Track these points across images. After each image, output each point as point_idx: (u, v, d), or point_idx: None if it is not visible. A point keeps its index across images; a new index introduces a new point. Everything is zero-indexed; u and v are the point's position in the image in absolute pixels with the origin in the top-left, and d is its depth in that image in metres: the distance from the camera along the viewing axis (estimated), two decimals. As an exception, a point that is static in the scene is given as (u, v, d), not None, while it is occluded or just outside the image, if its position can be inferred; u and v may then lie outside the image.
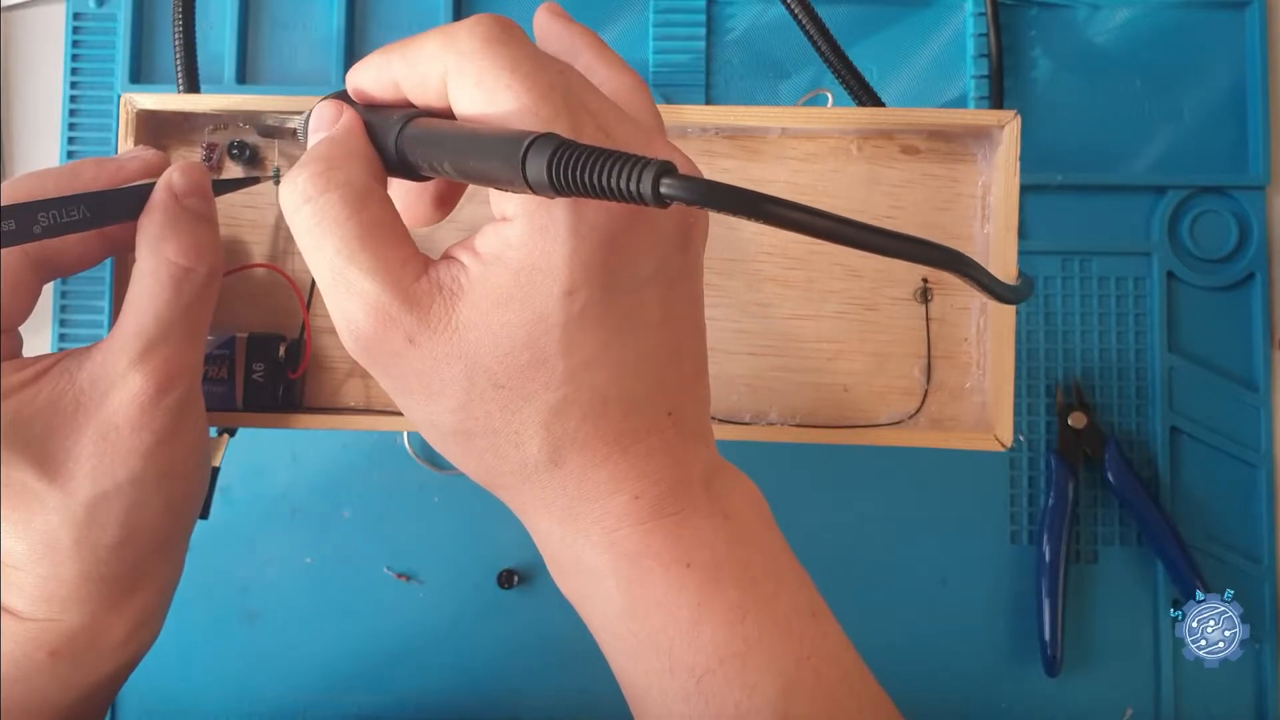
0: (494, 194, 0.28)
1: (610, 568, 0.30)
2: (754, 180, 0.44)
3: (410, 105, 0.30)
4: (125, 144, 0.42)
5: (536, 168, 0.24)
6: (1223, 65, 0.63)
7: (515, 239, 0.27)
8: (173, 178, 0.36)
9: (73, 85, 0.63)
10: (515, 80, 0.27)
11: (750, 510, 0.32)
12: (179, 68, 0.46)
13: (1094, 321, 0.62)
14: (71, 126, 0.63)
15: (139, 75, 0.63)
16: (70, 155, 0.62)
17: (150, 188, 0.36)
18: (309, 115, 0.32)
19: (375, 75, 0.30)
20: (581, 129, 0.27)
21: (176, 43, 0.45)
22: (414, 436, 0.61)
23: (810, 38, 0.49)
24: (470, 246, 0.28)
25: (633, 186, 0.23)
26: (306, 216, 0.28)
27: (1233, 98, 0.62)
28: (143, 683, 0.61)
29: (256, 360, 0.42)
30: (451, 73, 0.27)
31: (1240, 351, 0.62)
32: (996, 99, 0.51)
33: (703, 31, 0.62)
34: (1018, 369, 0.42)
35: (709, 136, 0.44)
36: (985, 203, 0.43)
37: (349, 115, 0.30)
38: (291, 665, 0.61)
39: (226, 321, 0.44)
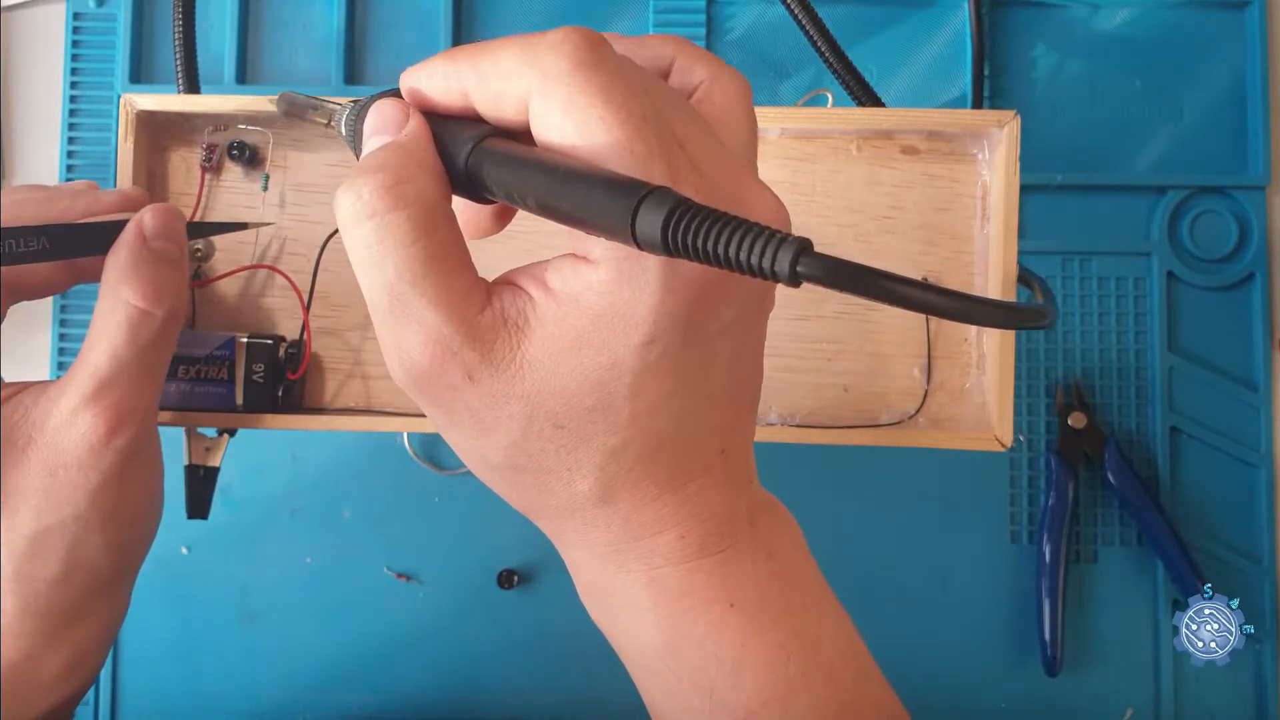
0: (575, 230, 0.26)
1: (650, 604, 0.29)
2: (754, 180, 0.44)
3: (477, 117, 0.28)
4: (125, 144, 0.42)
5: (649, 225, 0.22)
6: (1223, 65, 0.63)
7: (599, 284, 0.25)
8: (144, 218, 0.36)
9: (73, 85, 0.63)
10: (608, 111, 0.24)
11: (793, 547, 0.32)
12: (179, 68, 0.46)
13: (1094, 321, 0.62)
14: (71, 126, 0.63)
15: (139, 75, 0.63)
16: (70, 155, 0.62)
17: (120, 225, 0.36)
18: (356, 111, 0.30)
19: (441, 82, 0.27)
20: (677, 170, 0.25)
21: (176, 43, 0.45)
22: (414, 436, 0.61)
23: (810, 38, 0.49)
24: (541, 280, 0.26)
25: (765, 263, 0.21)
26: (369, 233, 0.26)
27: (1233, 98, 0.62)
28: (143, 683, 0.61)
29: (256, 361, 0.42)
30: (536, 95, 0.25)
31: (1240, 351, 0.62)
32: (977, 98, 0.51)
33: (703, 31, 0.62)
34: (1018, 369, 0.42)
35: (709, 137, 0.44)
36: (985, 203, 0.43)
37: (418, 121, 0.27)
38: (291, 665, 0.61)
39: (227, 322, 0.44)
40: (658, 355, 0.26)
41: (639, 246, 0.23)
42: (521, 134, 0.27)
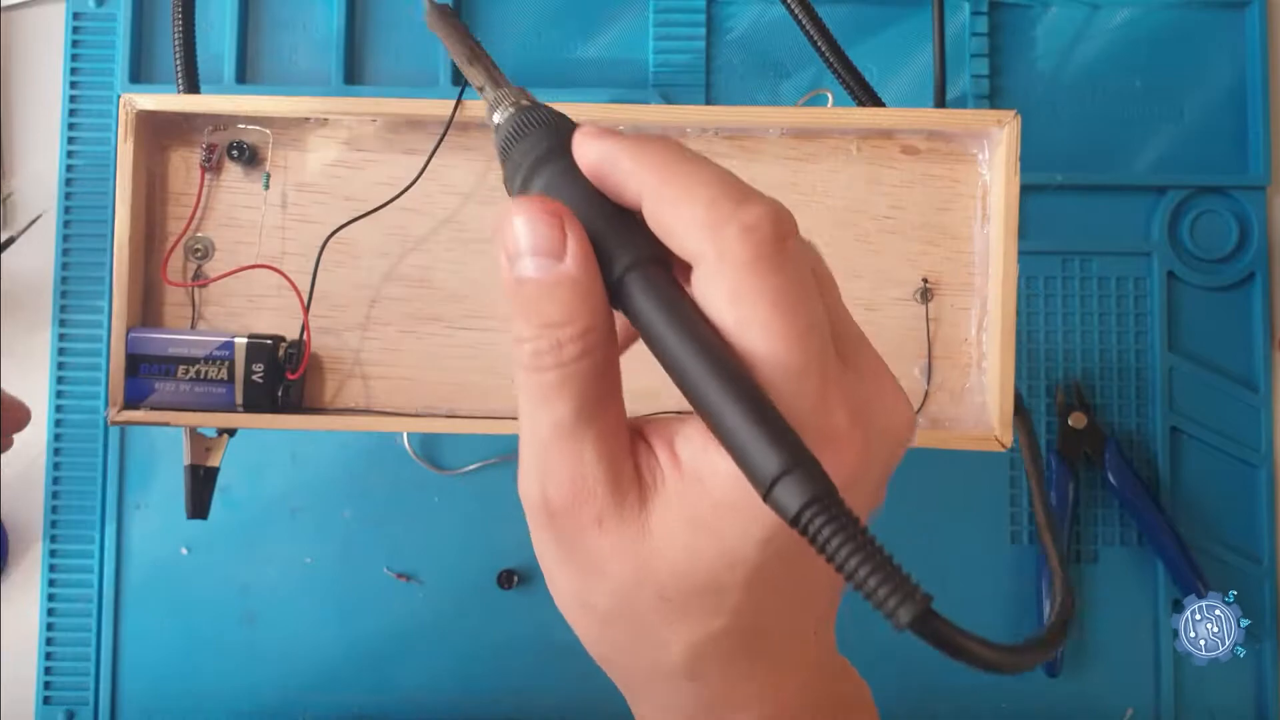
0: None
1: None
2: (754, 180, 0.44)
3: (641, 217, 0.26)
4: (125, 144, 0.42)
5: (787, 497, 0.22)
6: (1223, 65, 0.63)
7: (725, 470, 0.24)
8: None
9: (73, 85, 0.63)
10: (775, 317, 0.23)
11: (865, 709, 0.31)
12: (179, 68, 0.46)
13: (1094, 321, 0.62)
14: (71, 126, 0.62)
15: (139, 75, 0.63)
16: (70, 155, 0.62)
17: None
18: (524, 146, 0.27)
19: (621, 175, 0.25)
20: (828, 390, 0.24)
21: (176, 43, 0.45)
22: (414, 436, 0.61)
23: (810, 38, 0.48)
24: (670, 446, 0.26)
25: (886, 606, 0.21)
26: (551, 379, 0.25)
27: (1233, 98, 0.62)
28: (143, 683, 0.61)
29: (256, 361, 0.42)
30: (708, 269, 0.24)
31: (1240, 351, 0.62)
32: (939, 97, 0.51)
33: (703, 31, 0.62)
34: (1018, 369, 0.42)
35: (709, 136, 0.44)
36: (985, 203, 0.43)
37: (578, 243, 0.25)
38: (291, 665, 0.61)
39: (227, 322, 0.44)
40: (774, 551, 0.25)
41: (766, 498, 0.22)
42: (681, 266, 0.26)
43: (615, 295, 0.25)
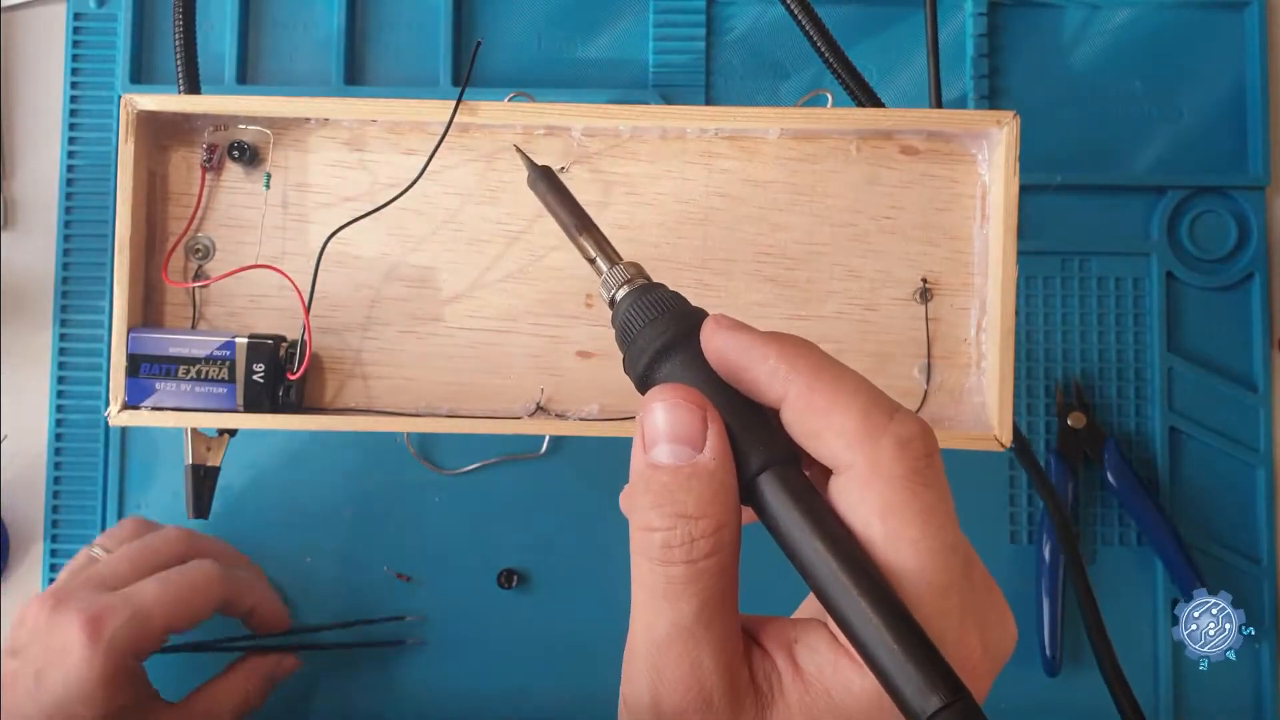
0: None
1: None
2: (754, 180, 0.44)
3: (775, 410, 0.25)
4: (125, 145, 0.42)
5: None
6: (1223, 65, 0.63)
7: (860, 688, 0.24)
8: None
9: (73, 85, 0.63)
10: (927, 533, 0.23)
11: None
12: (179, 68, 0.46)
13: (1094, 321, 0.62)
14: (72, 127, 0.63)
15: (139, 75, 0.63)
16: (70, 155, 0.62)
17: None
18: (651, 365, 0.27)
19: (763, 374, 0.25)
20: (966, 611, 0.24)
21: (176, 43, 0.45)
22: (414, 436, 0.61)
23: (810, 38, 0.48)
24: (789, 653, 0.25)
25: None
26: (681, 572, 0.24)
27: (1233, 98, 0.62)
28: (143, 683, 0.61)
29: (256, 361, 0.42)
30: (857, 479, 0.24)
31: (1240, 351, 0.62)
32: (935, 98, 0.51)
33: (703, 31, 0.62)
34: (1017, 369, 0.42)
35: (709, 137, 0.44)
36: (985, 203, 0.43)
37: (718, 438, 0.25)
38: (292, 665, 0.61)
39: (227, 322, 0.44)
40: None
41: None
42: (817, 468, 0.25)
43: (747, 492, 0.25)
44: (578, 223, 0.33)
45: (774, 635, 0.25)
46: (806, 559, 0.24)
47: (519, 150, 0.37)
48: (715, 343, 0.26)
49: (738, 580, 0.25)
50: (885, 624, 0.23)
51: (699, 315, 0.27)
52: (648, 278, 0.30)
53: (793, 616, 0.28)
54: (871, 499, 0.24)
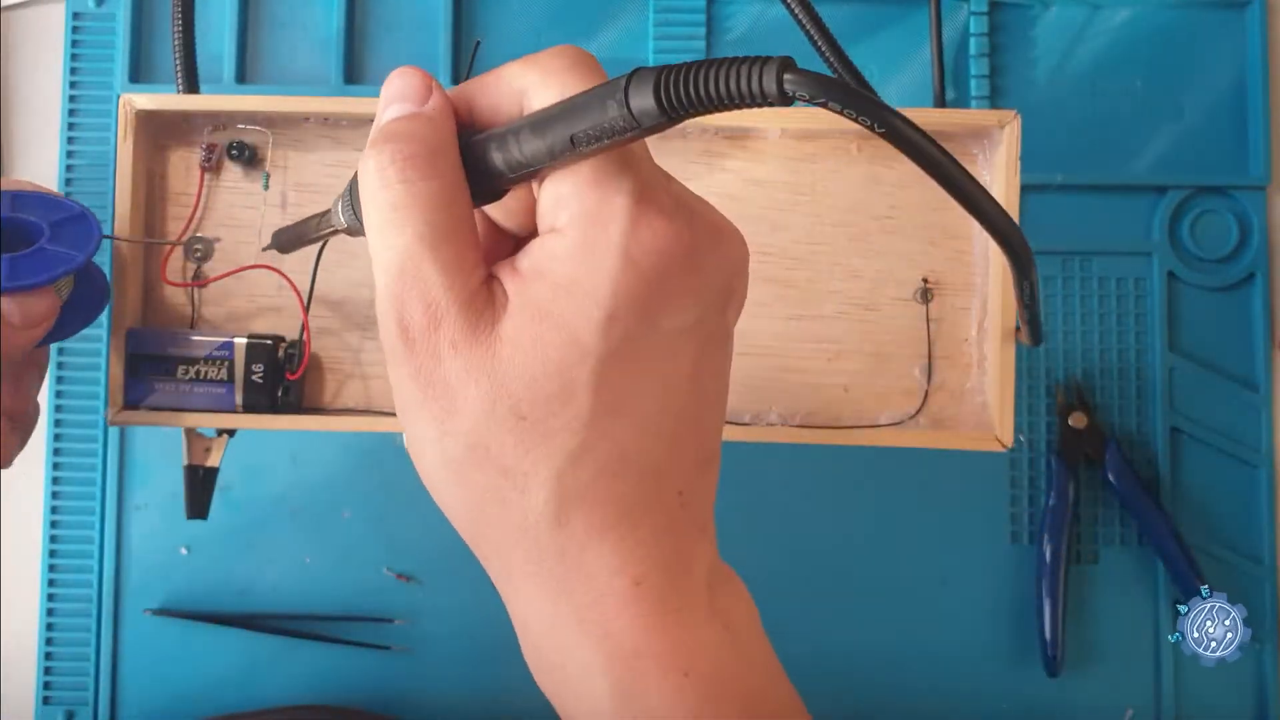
0: (543, 207, 0.27)
1: (602, 667, 0.28)
2: (754, 180, 0.44)
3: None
4: (124, 144, 0.42)
5: (642, 97, 0.23)
6: (1223, 65, 0.62)
7: (562, 252, 0.26)
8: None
9: (72, 85, 0.63)
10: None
11: (750, 625, 0.30)
12: (178, 68, 0.46)
13: (1094, 321, 0.62)
14: (71, 126, 0.62)
15: (138, 75, 0.63)
16: (70, 155, 0.62)
17: None
18: (348, 191, 0.30)
19: (449, 98, 0.29)
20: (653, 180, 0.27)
21: (176, 43, 0.45)
22: (414, 437, 0.61)
23: (810, 38, 0.48)
24: (511, 263, 0.27)
25: (754, 86, 0.22)
26: (398, 196, 0.26)
27: (1233, 98, 0.62)
28: (143, 683, 0.61)
29: (256, 361, 0.42)
30: (535, 88, 0.27)
31: (1240, 351, 0.62)
32: (938, 97, 0.51)
33: (703, 31, 0.62)
34: (1018, 369, 0.42)
35: (709, 137, 0.44)
36: (985, 203, 0.43)
37: (440, 95, 0.28)
38: (291, 666, 0.61)
39: (227, 323, 0.44)
40: (618, 338, 0.26)
41: (637, 124, 0.24)
42: None
43: (476, 171, 0.28)
44: (296, 227, 0.36)
45: (505, 262, 0.28)
46: (524, 141, 0.26)
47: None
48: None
49: (474, 227, 0.27)
50: (578, 99, 0.25)
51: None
52: None
53: None
54: (551, 90, 0.26)
